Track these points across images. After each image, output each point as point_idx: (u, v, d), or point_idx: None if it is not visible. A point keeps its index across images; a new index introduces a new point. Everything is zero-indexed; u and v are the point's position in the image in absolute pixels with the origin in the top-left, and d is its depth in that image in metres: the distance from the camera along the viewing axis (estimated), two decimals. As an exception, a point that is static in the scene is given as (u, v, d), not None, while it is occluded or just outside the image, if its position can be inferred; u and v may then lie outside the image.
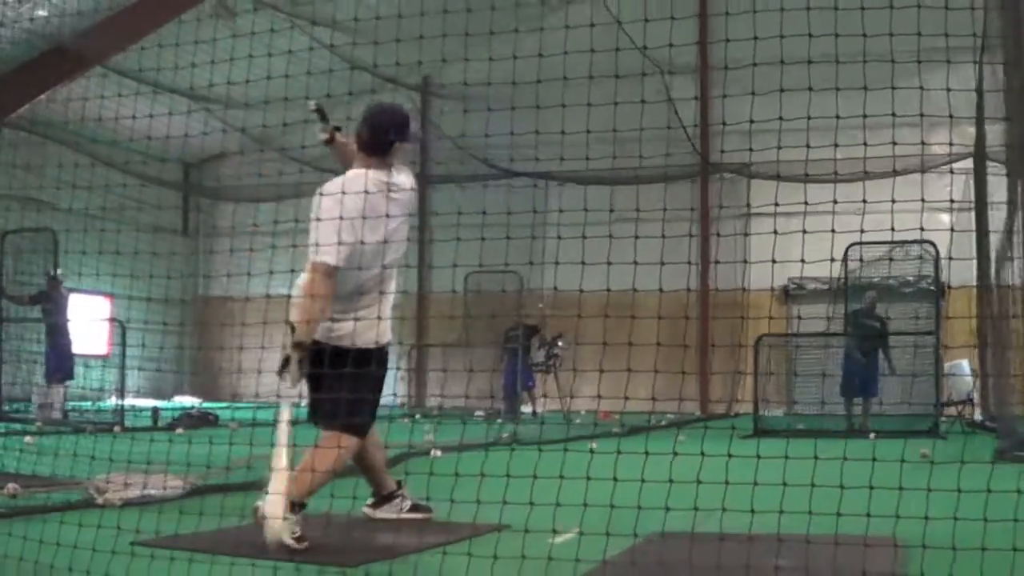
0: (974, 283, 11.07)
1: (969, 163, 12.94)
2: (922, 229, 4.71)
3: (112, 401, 13.55)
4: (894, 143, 4.54)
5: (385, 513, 5.01)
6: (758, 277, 5.07)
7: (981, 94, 10.30)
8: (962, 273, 11.38)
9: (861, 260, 13.81)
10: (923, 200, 4.31)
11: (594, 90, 4.83)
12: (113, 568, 3.62)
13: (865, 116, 4.35)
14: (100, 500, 5.28)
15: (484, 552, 3.69)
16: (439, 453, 7.96)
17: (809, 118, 4.32)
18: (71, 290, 16.32)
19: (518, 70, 5.13)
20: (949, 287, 13.18)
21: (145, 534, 4.18)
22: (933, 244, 12.91)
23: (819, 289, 17.57)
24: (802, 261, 4.47)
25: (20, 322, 16.08)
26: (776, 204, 4.40)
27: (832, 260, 4.89)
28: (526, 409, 17.01)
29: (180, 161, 24.07)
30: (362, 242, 4.38)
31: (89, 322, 18.86)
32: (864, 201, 4.29)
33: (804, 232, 4.38)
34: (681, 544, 3.82)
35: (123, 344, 13.59)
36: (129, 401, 13.57)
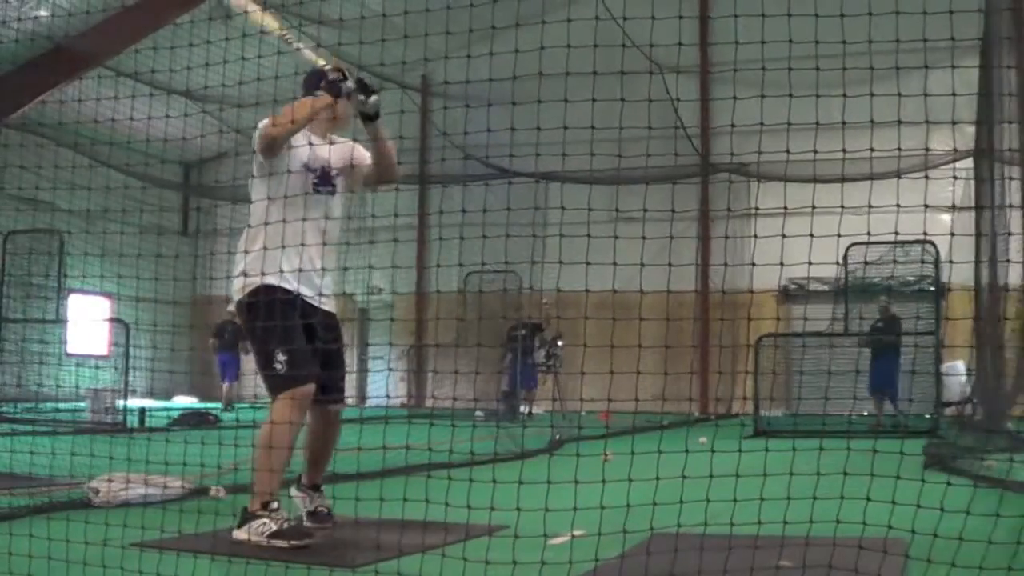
0: (973, 284, 11.07)
1: (969, 163, 12.95)
2: (919, 235, 4.71)
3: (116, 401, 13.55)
4: (872, 148, 4.51)
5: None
6: (757, 278, 5.07)
7: (982, 96, 10.28)
8: (962, 274, 11.38)
9: (841, 263, 13.83)
10: (894, 205, 4.29)
11: (586, 89, 4.81)
12: (112, 569, 3.61)
13: (872, 121, 4.34)
14: (98, 501, 5.28)
15: (481, 553, 3.69)
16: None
17: (809, 122, 4.31)
18: (71, 290, 16.40)
19: (507, 68, 5.13)
20: (949, 288, 13.26)
21: (146, 535, 4.18)
22: (934, 245, 12.94)
23: (819, 290, 17.57)
24: (781, 264, 4.46)
25: (22, 322, 16.12)
26: (756, 207, 4.39)
27: (811, 263, 4.88)
28: (523, 409, 17.03)
29: (180, 162, 24.07)
30: None
31: (90, 322, 18.94)
32: (843, 206, 4.29)
33: (783, 236, 4.39)
34: (682, 544, 3.82)
35: (127, 344, 13.60)
36: (133, 402, 13.59)
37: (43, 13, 15.57)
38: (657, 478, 3.91)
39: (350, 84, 4.59)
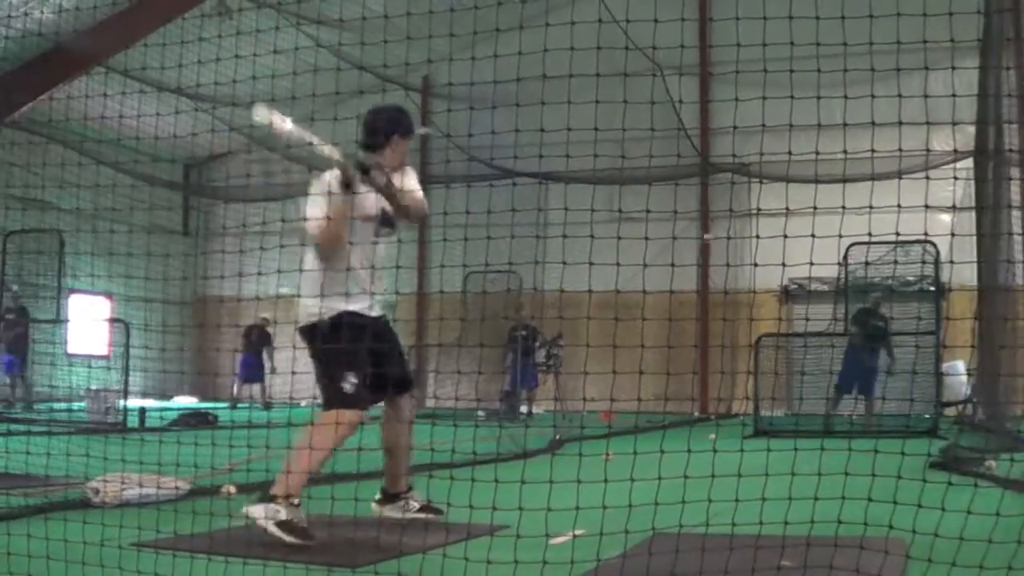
0: (974, 284, 11.07)
1: (969, 163, 12.94)
2: (923, 236, 4.70)
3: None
4: (873, 149, 4.51)
5: (392, 512, 4.99)
6: (758, 278, 5.09)
7: (982, 96, 10.28)
8: (962, 274, 11.37)
9: (841, 263, 13.78)
10: (895, 205, 4.28)
11: (588, 89, 4.81)
12: (110, 568, 3.61)
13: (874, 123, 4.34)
14: (97, 500, 5.28)
15: (482, 553, 3.69)
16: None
17: (817, 124, 4.31)
18: (72, 290, 16.51)
19: (508, 69, 5.13)
20: (950, 288, 13.26)
21: (144, 534, 4.18)
22: (934, 244, 12.93)
23: (819, 290, 17.56)
24: (783, 265, 4.46)
25: (43, 323, 16.31)
26: (758, 207, 4.38)
27: (812, 264, 4.88)
28: (524, 409, 17.04)
29: (180, 161, 24.06)
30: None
31: (90, 322, 19.00)
32: (844, 207, 4.28)
33: (784, 237, 4.38)
34: (683, 544, 3.81)
35: (127, 344, 13.59)
36: (133, 402, 13.59)
37: (43, 13, 15.56)
38: (659, 478, 3.90)
39: (351, 172, 4.54)
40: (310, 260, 4.78)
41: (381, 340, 4.82)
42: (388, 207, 4.79)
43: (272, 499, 4.40)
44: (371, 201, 4.75)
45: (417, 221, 4.99)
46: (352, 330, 4.62)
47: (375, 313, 4.86)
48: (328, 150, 4.53)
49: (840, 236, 5.19)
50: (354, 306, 4.70)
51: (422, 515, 4.93)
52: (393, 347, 4.95)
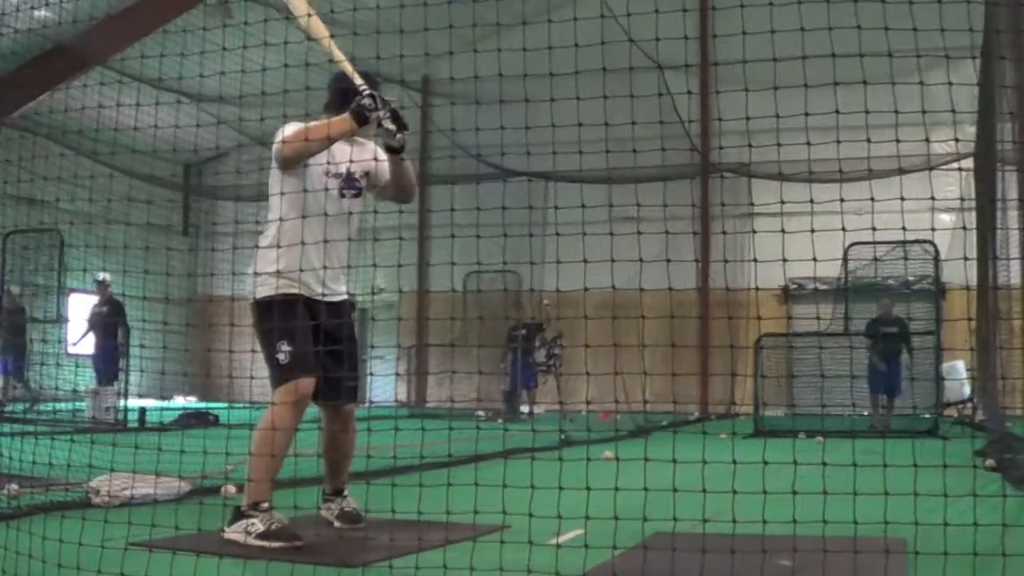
0: (973, 283, 11.06)
1: (969, 162, 12.94)
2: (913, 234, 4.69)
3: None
4: (869, 141, 4.50)
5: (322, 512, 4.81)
6: (758, 277, 5.07)
7: (982, 92, 10.27)
8: (961, 273, 11.36)
9: (842, 262, 13.82)
10: (895, 204, 4.28)
11: (589, 88, 4.80)
12: (111, 569, 3.60)
13: (867, 115, 4.34)
14: (97, 500, 5.27)
15: (483, 552, 3.69)
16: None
17: (806, 115, 4.30)
18: (72, 289, 16.48)
19: (514, 67, 5.12)
20: (946, 287, 13.29)
21: (145, 534, 4.18)
22: (933, 244, 12.94)
23: (819, 289, 17.57)
24: (780, 260, 4.46)
25: (43, 322, 16.27)
26: (752, 205, 4.37)
27: (798, 260, 4.89)
28: (524, 409, 17.04)
29: (180, 161, 24.07)
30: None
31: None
32: (842, 199, 4.27)
33: (783, 232, 4.38)
34: (682, 544, 3.81)
35: (127, 344, 13.59)
36: (133, 402, 13.58)
37: (44, 13, 15.54)
38: (645, 481, 3.90)
39: (382, 114, 4.32)
40: (269, 234, 4.56)
41: (331, 332, 4.52)
42: (352, 169, 4.61)
43: (242, 515, 4.29)
44: (343, 155, 4.59)
45: (405, 199, 4.73)
46: (285, 306, 4.44)
47: (334, 298, 4.61)
48: (350, 68, 4.43)
49: (828, 231, 5.18)
50: (296, 290, 4.47)
51: (338, 523, 4.72)
52: (344, 349, 4.58)
